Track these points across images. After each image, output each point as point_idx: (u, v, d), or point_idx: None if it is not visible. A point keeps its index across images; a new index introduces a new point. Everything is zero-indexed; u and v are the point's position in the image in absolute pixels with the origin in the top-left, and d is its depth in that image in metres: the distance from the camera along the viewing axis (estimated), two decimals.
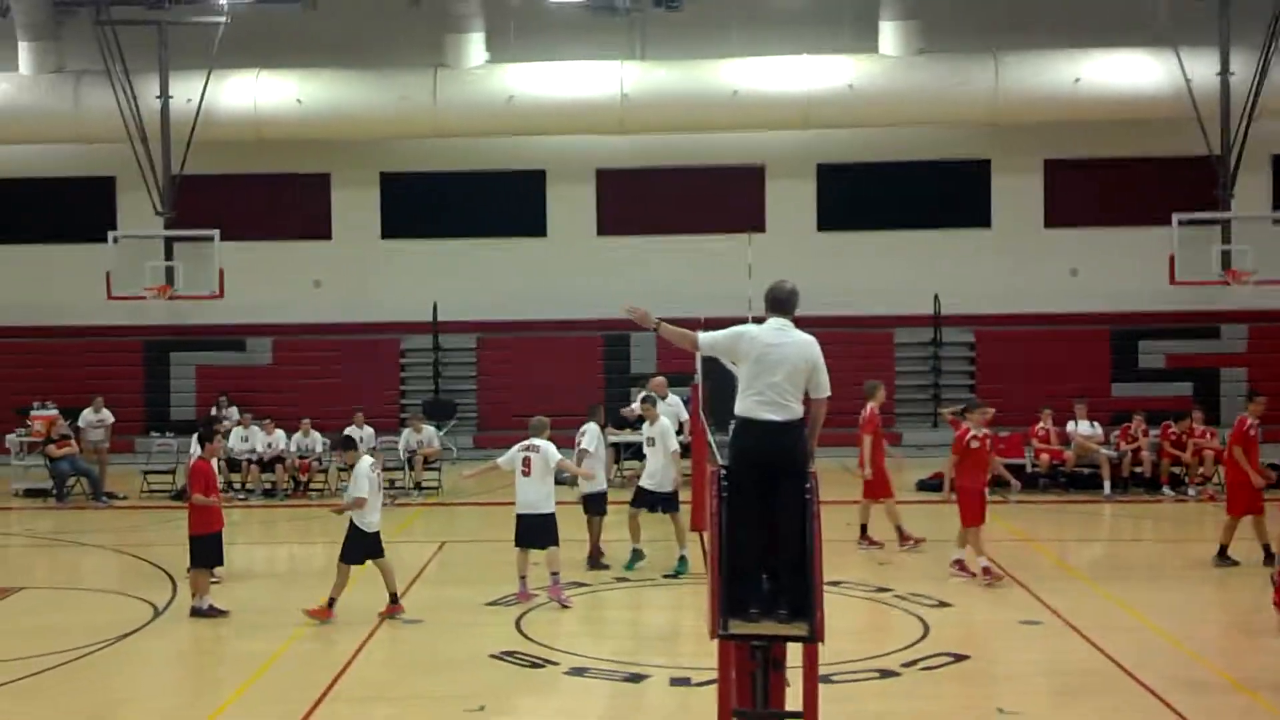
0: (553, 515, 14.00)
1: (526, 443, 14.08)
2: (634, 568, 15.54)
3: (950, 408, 21.95)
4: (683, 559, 15.39)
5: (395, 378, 29.02)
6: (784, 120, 26.99)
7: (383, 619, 13.25)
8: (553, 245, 29.38)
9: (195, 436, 14.84)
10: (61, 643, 12.47)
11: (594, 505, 15.97)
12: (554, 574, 13.95)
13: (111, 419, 23.99)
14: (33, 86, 26.92)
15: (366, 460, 13.59)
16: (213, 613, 13.58)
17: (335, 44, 27.37)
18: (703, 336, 8.21)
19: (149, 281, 25.16)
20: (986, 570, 14.58)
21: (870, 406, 16.84)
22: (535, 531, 13.92)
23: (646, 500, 15.59)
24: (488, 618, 13.46)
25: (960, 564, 14.98)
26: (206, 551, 13.78)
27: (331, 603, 13.33)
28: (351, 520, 13.39)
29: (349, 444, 14.36)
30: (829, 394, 8.06)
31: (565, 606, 13.77)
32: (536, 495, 13.92)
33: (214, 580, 14.05)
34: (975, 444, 14.86)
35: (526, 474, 13.92)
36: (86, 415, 23.59)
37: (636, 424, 18.95)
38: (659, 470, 15.49)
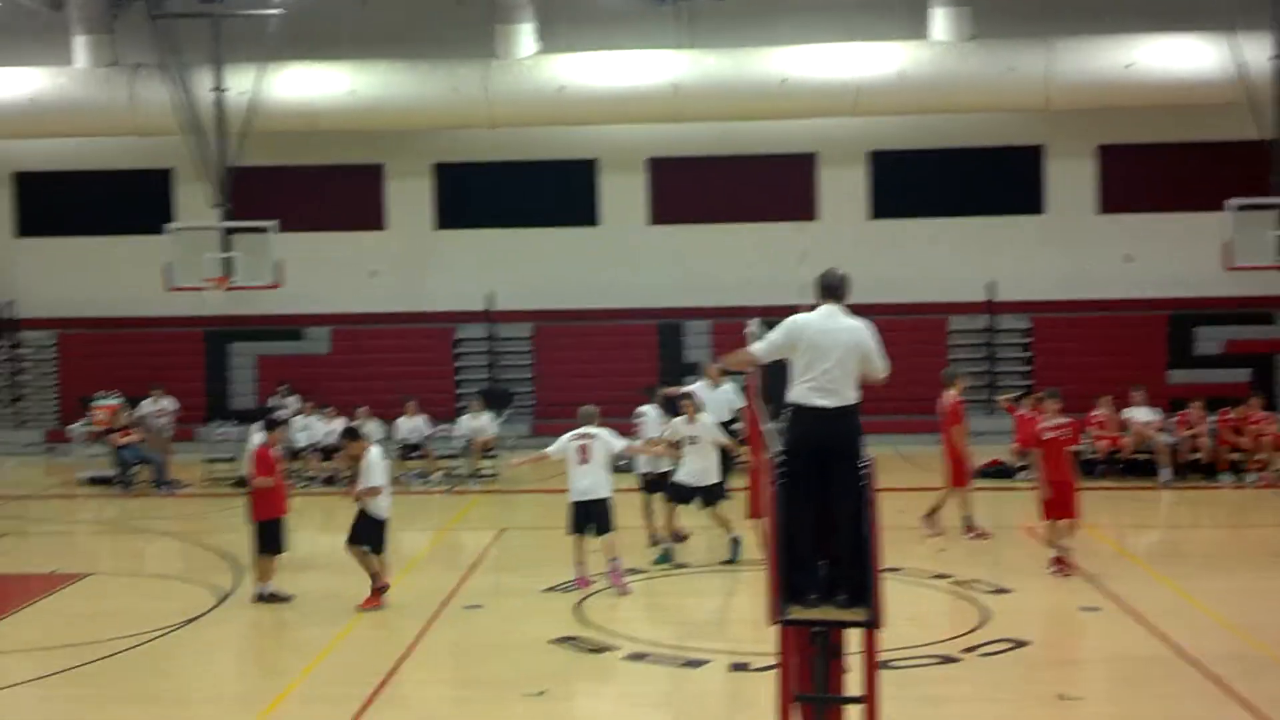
0: (610, 500, 14.05)
1: (580, 431, 14.14)
2: (663, 562, 15.39)
3: (1006, 395, 21.94)
4: (735, 541, 15.24)
5: (450, 367, 29.22)
6: (834, 108, 26.88)
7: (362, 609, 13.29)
8: (605, 234, 29.44)
9: (258, 424, 15.02)
10: (128, 628, 12.70)
11: (661, 484, 15.92)
12: (613, 560, 14.02)
13: (173, 406, 24.23)
14: (88, 80, 27.21)
15: (376, 449, 13.77)
16: (276, 598, 13.78)
17: (387, 36, 27.49)
18: (757, 347, 8.30)
19: (207, 273, 25.42)
20: (1059, 560, 14.33)
21: (951, 394, 16.70)
22: (593, 517, 13.95)
23: (683, 494, 15.40)
24: (546, 603, 13.59)
25: (1061, 561, 14.45)
26: (270, 537, 13.96)
27: (377, 591, 13.49)
28: (363, 508, 13.56)
29: (353, 434, 14.36)
30: (887, 374, 8.16)
31: (625, 593, 13.86)
32: (594, 481, 13.95)
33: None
34: (1049, 435, 14.44)
35: (584, 461, 13.96)
36: (145, 406, 23.90)
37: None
38: (700, 470, 15.21)
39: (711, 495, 15.35)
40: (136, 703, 10.70)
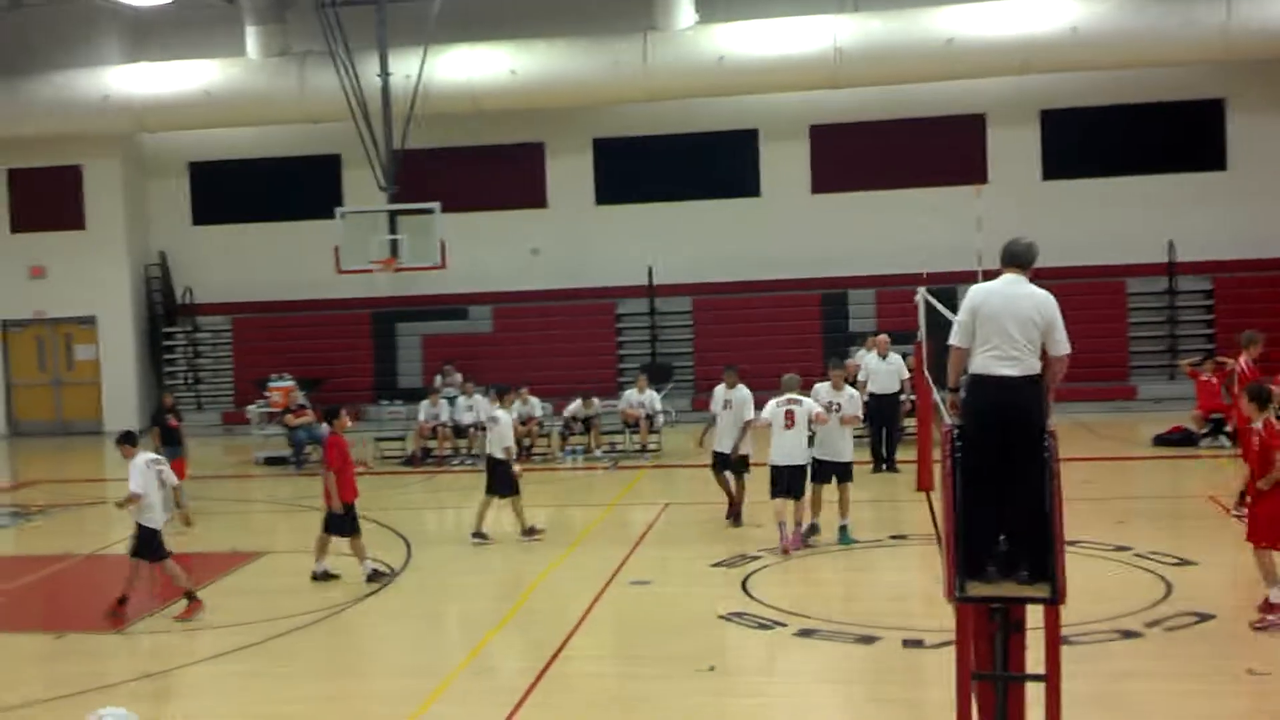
0: (808, 467, 14.53)
1: (786, 397, 14.50)
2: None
3: (1189, 359, 21.13)
4: (813, 528, 14.99)
5: (612, 342, 29.28)
6: (1003, 67, 26.13)
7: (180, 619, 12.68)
8: (767, 204, 29.17)
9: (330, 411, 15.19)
10: (304, 604, 12.97)
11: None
12: (799, 523, 14.41)
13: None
14: (260, 70, 27.88)
15: (143, 456, 13.11)
16: (377, 576, 13.92)
17: (546, 14, 27.61)
18: (955, 339, 7.91)
19: (375, 255, 25.82)
20: (1270, 607, 11.02)
21: (1243, 358, 15.66)
22: (795, 481, 14.35)
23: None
24: (714, 578, 13.49)
25: (1269, 606, 11.05)
26: (342, 522, 14.05)
27: (191, 601, 12.86)
28: (137, 520, 12.86)
29: (129, 439, 13.60)
30: (1068, 351, 7.73)
31: (791, 550, 14.10)
32: (797, 446, 14.40)
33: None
34: (1256, 438, 11.17)
35: (789, 427, 14.35)
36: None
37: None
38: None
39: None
40: (315, 677, 10.88)
